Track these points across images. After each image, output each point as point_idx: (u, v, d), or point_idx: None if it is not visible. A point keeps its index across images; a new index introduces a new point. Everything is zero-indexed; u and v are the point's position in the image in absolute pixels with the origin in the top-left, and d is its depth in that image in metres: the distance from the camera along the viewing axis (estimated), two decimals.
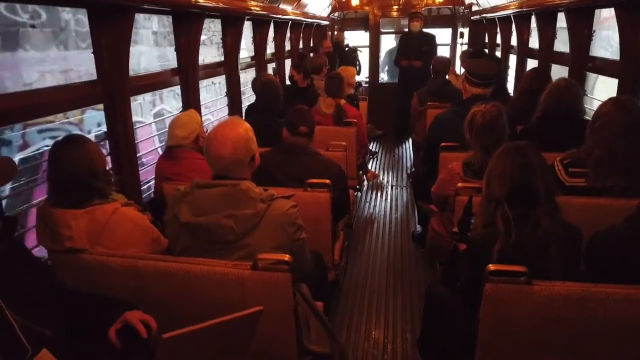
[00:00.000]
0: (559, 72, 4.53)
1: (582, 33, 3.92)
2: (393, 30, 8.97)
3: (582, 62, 3.97)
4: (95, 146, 1.99)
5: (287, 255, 1.76)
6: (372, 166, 6.70)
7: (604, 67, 3.67)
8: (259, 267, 1.73)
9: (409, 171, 6.32)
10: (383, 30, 8.88)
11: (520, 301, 1.63)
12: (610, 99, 2.39)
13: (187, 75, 3.52)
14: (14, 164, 1.44)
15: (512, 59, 6.30)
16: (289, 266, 1.73)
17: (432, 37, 7.27)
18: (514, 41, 6.10)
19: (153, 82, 3.24)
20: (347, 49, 8.28)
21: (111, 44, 2.60)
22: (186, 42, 3.50)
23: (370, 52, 8.76)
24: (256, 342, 1.85)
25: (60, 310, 1.51)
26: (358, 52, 8.46)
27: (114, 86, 2.62)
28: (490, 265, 1.64)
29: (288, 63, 6.87)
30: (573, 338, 1.63)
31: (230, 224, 1.77)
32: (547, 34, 4.73)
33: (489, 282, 1.63)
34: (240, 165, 1.89)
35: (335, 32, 8.91)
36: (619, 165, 2.23)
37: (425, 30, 7.33)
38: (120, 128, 2.67)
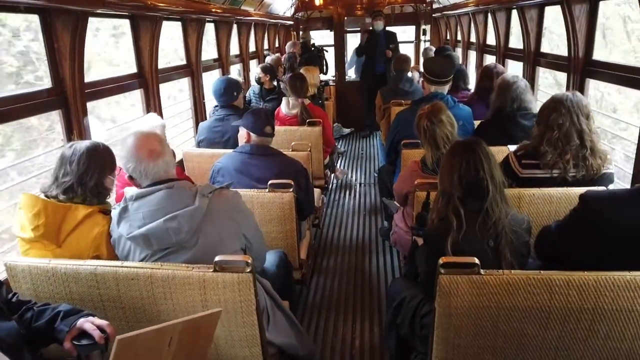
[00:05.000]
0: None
1: (533, 30, 4.07)
2: (358, 28, 9.05)
3: (534, 57, 4.12)
4: (109, 154, 2.08)
5: (248, 256, 1.78)
6: (340, 165, 6.75)
7: (554, 62, 3.82)
8: (219, 268, 1.75)
9: (376, 168, 6.40)
10: (348, 29, 8.95)
11: (472, 291, 1.69)
12: (554, 94, 2.51)
13: (146, 79, 3.49)
14: None
15: (473, 55, 6.47)
16: (250, 266, 1.75)
17: (394, 35, 7.50)
18: (473, 38, 6.27)
19: (111, 87, 3.19)
20: (313, 48, 8.31)
21: (65, 50, 2.56)
22: (145, 45, 3.47)
23: (335, 51, 8.82)
24: (220, 342, 1.89)
25: (14, 320, 1.49)
26: (324, 51, 8.51)
27: (70, 92, 2.59)
28: (443, 257, 1.70)
29: (253, 64, 6.87)
30: (523, 323, 1.71)
31: (174, 225, 1.77)
32: (503, 31, 4.89)
33: (442, 274, 1.69)
34: (173, 159, 1.92)
35: (301, 32, 8.93)
36: (569, 143, 2.35)
37: (387, 28, 7.56)
38: (77, 135, 2.63)
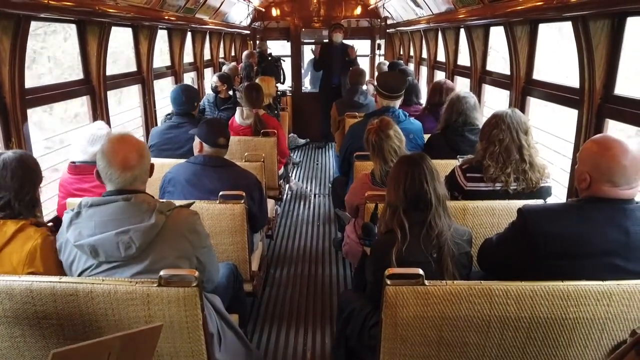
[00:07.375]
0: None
1: (480, 49, 4.26)
2: (314, 40, 9.14)
3: (481, 75, 4.32)
4: (37, 165, 2.01)
5: (194, 270, 1.75)
6: (295, 175, 6.76)
7: (498, 80, 4.01)
8: (164, 283, 1.70)
9: (331, 179, 6.45)
10: (304, 41, 9.02)
11: (417, 301, 1.73)
12: (495, 111, 2.64)
13: (94, 85, 3.38)
14: None
15: (425, 70, 6.68)
16: (197, 280, 1.72)
17: (351, 47, 7.60)
18: (425, 54, 6.48)
19: (55, 94, 3.06)
20: (269, 58, 8.31)
21: (5, 55, 2.44)
22: (92, 51, 3.36)
23: (292, 62, 8.86)
24: (165, 358, 1.83)
25: None
26: (281, 61, 8.52)
27: (8, 99, 2.46)
28: (389, 269, 1.74)
29: (208, 72, 6.79)
30: (465, 332, 1.76)
31: (126, 239, 1.73)
32: (452, 49, 5.08)
33: (389, 285, 1.73)
34: (145, 174, 1.88)
35: (258, 42, 8.91)
36: (509, 157, 2.46)
37: (345, 41, 7.66)
38: (17, 143, 2.51)
